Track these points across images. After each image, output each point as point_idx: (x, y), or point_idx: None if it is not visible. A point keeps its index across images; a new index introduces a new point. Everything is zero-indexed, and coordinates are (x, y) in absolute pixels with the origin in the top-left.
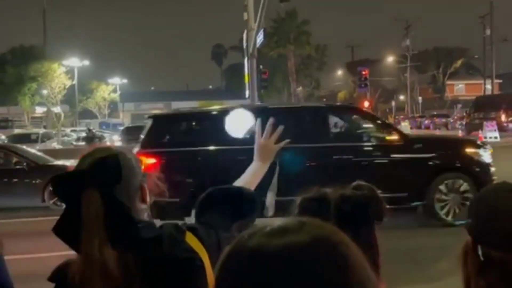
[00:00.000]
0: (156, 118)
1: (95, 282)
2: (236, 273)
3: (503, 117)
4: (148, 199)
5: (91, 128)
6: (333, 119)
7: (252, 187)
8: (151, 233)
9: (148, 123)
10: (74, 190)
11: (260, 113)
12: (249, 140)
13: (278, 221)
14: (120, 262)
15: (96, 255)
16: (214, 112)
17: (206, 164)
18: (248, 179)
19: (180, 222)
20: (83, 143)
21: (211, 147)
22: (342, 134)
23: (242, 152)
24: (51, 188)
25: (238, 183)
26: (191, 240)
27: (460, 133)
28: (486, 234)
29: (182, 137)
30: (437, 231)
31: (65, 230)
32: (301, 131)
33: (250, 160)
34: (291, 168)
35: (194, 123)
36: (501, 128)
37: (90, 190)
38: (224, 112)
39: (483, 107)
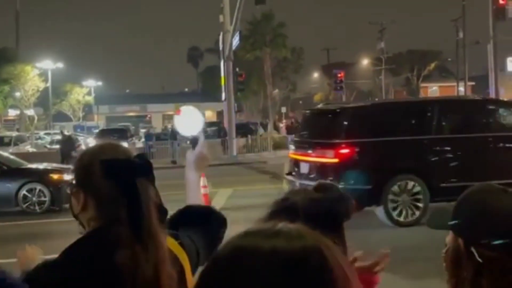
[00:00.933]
0: (349, 110)
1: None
2: (219, 270)
3: None
4: None
5: (64, 130)
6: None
7: (200, 199)
8: None
9: (336, 115)
10: (129, 178)
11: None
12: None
13: (269, 225)
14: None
15: (152, 244)
16: (411, 103)
17: (398, 153)
18: (196, 194)
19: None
20: (58, 146)
21: (404, 137)
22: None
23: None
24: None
25: (190, 200)
26: (172, 245)
27: None
28: (480, 235)
29: (376, 128)
30: (396, 231)
31: (130, 216)
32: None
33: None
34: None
35: (389, 114)
36: None
37: (143, 180)
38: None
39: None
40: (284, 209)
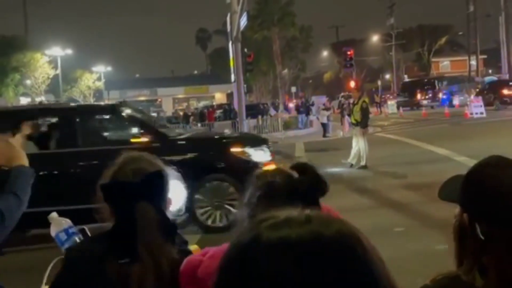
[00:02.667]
0: None
1: (150, 283)
2: (257, 266)
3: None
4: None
5: None
6: None
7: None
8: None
9: None
10: (127, 201)
11: None
12: None
13: (286, 213)
14: (170, 266)
15: (153, 260)
16: None
17: None
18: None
19: None
20: None
21: None
22: None
23: None
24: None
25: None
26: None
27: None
28: (485, 211)
29: None
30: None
31: (121, 237)
32: None
33: None
34: None
35: None
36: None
37: (143, 204)
38: None
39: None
40: (270, 192)
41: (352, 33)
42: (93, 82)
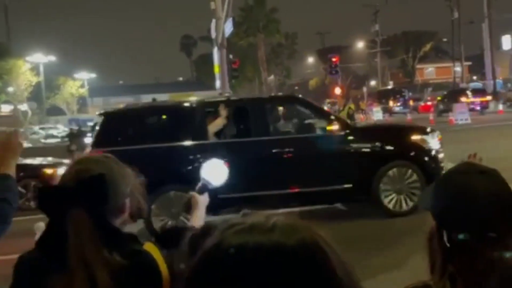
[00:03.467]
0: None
1: None
2: (214, 270)
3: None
4: (127, 212)
5: (74, 127)
6: None
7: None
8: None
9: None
10: (60, 207)
11: None
12: None
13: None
14: (113, 278)
15: (85, 271)
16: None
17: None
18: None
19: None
20: (66, 139)
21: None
22: None
23: None
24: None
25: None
26: (154, 252)
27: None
28: (452, 219)
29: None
30: (387, 219)
31: (50, 246)
32: None
33: None
34: None
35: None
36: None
37: (76, 210)
38: None
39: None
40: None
41: (337, 40)
42: (77, 89)
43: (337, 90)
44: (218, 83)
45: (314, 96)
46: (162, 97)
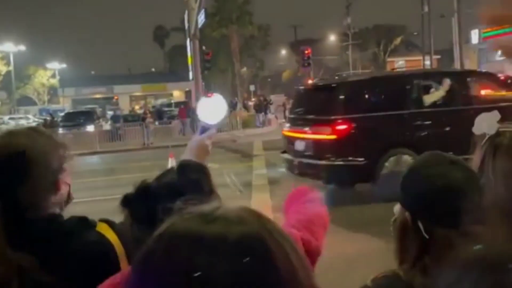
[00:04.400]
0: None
1: None
2: (154, 257)
3: None
4: (62, 191)
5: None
6: None
7: None
8: (49, 230)
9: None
10: None
11: None
12: None
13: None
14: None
15: None
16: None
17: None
18: None
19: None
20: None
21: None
22: None
23: None
24: None
25: None
26: (106, 231)
27: None
28: (428, 209)
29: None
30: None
31: None
32: None
33: None
34: None
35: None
36: None
37: None
38: None
39: None
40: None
41: (310, 33)
42: (48, 79)
43: (310, 82)
44: (191, 74)
45: (287, 88)
46: (135, 88)
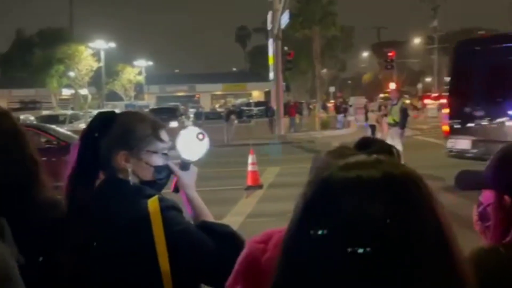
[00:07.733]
0: None
1: None
2: (309, 199)
3: None
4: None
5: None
6: None
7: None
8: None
9: None
10: None
11: None
12: None
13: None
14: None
15: None
16: None
17: None
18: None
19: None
20: None
21: None
22: None
23: None
24: None
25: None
26: (153, 205)
27: None
28: None
29: None
30: None
31: None
32: None
33: None
34: None
35: None
36: None
37: None
38: None
39: None
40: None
41: (393, 35)
42: (134, 76)
43: (392, 85)
44: (271, 75)
45: (367, 90)
46: (216, 87)
